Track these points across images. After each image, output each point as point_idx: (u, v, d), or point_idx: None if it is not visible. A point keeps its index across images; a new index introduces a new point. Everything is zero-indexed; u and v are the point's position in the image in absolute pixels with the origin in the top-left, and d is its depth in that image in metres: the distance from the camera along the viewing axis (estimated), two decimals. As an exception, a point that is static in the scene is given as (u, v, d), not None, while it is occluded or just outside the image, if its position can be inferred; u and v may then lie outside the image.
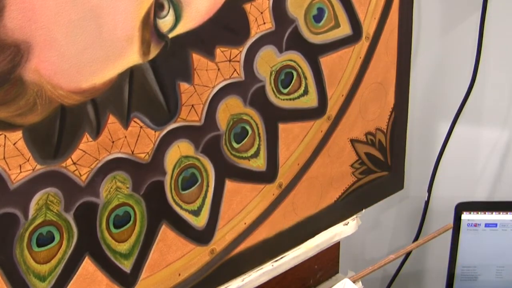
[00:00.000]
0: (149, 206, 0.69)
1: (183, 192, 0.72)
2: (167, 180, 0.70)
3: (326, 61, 0.81)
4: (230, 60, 0.71)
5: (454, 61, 1.25)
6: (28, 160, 0.58)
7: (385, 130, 0.95)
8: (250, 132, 0.76)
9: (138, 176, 0.67)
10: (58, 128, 0.59)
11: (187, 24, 0.66)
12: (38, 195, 0.60)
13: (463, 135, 1.28)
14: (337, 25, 0.81)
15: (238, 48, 0.71)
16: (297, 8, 0.75)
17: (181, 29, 0.65)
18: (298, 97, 0.80)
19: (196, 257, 0.76)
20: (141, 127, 0.66)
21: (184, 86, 0.68)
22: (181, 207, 0.72)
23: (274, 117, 0.78)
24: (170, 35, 0.65)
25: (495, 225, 1.19)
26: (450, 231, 1.15)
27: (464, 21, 1.21)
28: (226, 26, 0.69)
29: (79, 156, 0.62)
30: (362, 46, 0.85)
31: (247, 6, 0.70)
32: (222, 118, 0.73)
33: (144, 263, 0.71)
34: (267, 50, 0.74)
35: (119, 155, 0.65)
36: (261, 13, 0.72)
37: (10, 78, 0.55)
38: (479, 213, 1.19)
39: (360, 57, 0.86)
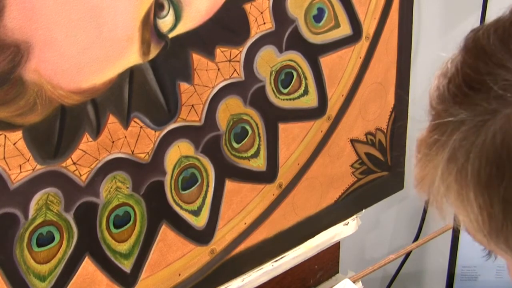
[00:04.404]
0: (149, 206, 0.69)
1: (183, 192, 0.72)
2: (167, 180, 0.70)
3: (326, 61, 0.81)
4: (230, 60, 0.71)
5: (454, 61, 1.24)
6: (28, 160, 0.58)
7: (385, 130, 0.95)
8: (250, 132, 0.76)
9: (138, 176, 0.67)
10: (58, 128, 0.59)
11: (187, 24, 0.65)
12: (38, 195, 0.60)
13: (463, 135, 1.27)
14: (337, 25, 0.81)
15: (238, 48, 0.71)
16: (297, 8, 0.75)
17: (181, 29, 0.65)
18: (298, 97, 0.80)
19: (196, 257, 0.76)
20: (141, 127, 0.66)
21: (184, 86, 0.68)
22: (181, 207, 0.72)
23: (274, 117, 0.78)
24: (170, 35, 0.65)
25: (495, 225, 1.19)
26: (450, 231, 1.15)
27: (464, 21, 1.21)
28: (226, 26, 0.69)
29: (79, 156, 0.62)
30: (362, 46, 0.85)
31: (247, 6, 0.70)
32: (222, 118, 0.73)
33: (144, 263, 0.71)
34: (267, 50, 0.74)
35: (119, 155, 0.65)
36: (261, 13, 0.72)
37: (10, 78, 0.54)
38: (479, 213, 1.18)
39: (360, 57, 0.85)
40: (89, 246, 0.65)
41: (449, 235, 1.18)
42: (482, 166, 0.37)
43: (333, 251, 1.00)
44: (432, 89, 0.43)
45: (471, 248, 1.21)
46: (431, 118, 0.42)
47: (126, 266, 0.69)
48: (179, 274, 0.75)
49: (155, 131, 0.67)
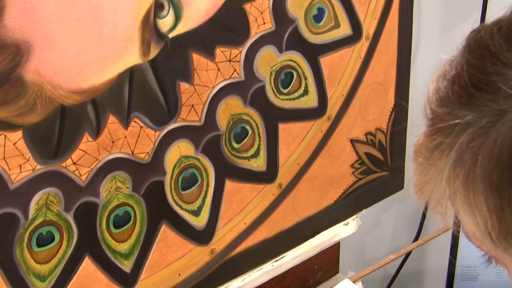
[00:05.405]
0: (149, 206, 0.69)
1: (183, 192, 0.72)
2: (167, 180, 0.70)
3: (326, 61, 0.81)
4: (230, 60, 0.71)
5: (454, 61, 1.24)
6: (28, 160, 0.58)
7: (385, 130, 0.95)
8: (250, 132, 0.76)
9: (138, 176, 0.67)
10: (58, 128, 0.59)
11: (187, 24, 0.66)
12: (38, 195, 0.60)
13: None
14: (337, 25, 0.81)
15: (238, 48, 0.71)
16: (297, 8, 0.75)
17: (181, 29, 0.65)
18: (298, 97, 0.80)
19: (196, 257, 0.76)
20: (141, 127, 0.66)
21: (184, 86, 0.68)
22: (181, 207, 0.72)
23: (274, 117, 0.78)
24: (170, 35, 0.65)
25: (495, 225, 1.19)
26: (450, 231, 1.15)
27: (464, 21, 1.21)
28: (226, 26, 0.69)
29: (79, 156, 0.62)
30: (362, 46, 0.85)
31: (247, 6, 0.70)
32: (222, 118, 0.73)
33: (144, 263, 0.71)
34: (267, 50, 0.74)
35: (119, 155, 0.65)
36: (261, 13, 0.72)
37: (10, 78, 0.55)
38: (479, 213, 1.18)
39: (360, 57, 0.85)
40: (89, 246, 0.65)
41: (449, 235, 1.18)
42: (492, 168, 0.36)
43: (333, 251, 1.00)
44: (430, 92, 0.41)
45: (471, 248, 1.21)
46: (430, 122, 0.41)
47: (126, 266, 0.69)
48: (179, 274, 0.75)
49: (155, 131, 0.67)
